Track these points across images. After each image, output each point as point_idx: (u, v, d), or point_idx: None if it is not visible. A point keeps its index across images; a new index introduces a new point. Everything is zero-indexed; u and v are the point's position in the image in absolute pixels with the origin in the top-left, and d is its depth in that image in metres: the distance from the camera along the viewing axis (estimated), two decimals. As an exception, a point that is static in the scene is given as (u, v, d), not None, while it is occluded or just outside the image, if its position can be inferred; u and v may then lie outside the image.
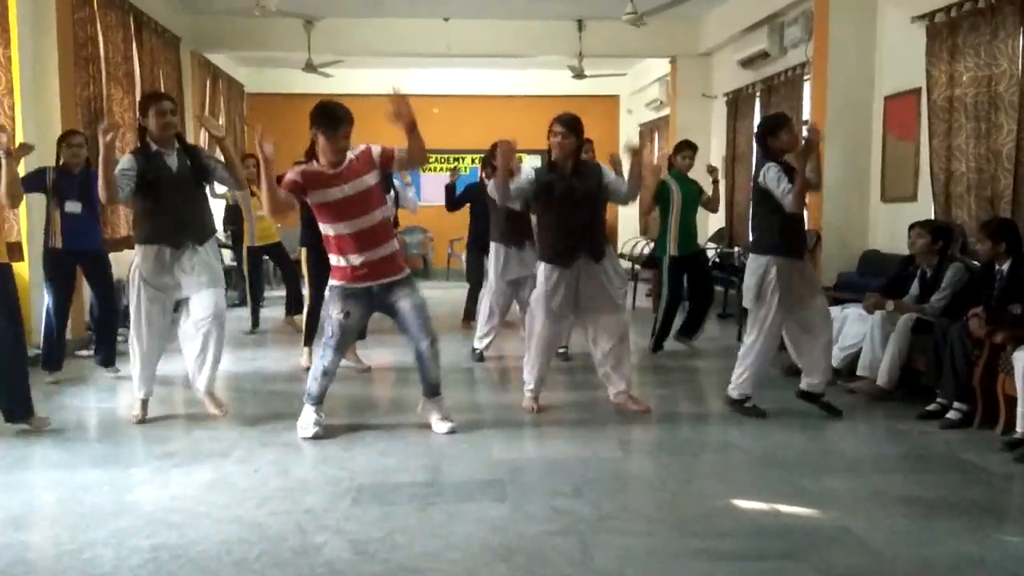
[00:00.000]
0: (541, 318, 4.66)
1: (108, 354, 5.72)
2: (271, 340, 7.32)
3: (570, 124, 4.52)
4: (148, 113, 4.35)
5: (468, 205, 7.11)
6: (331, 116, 3.99)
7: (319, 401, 4.30)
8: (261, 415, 4.67)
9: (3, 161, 4.48)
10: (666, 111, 11.59)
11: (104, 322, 5.80)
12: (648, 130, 12.79)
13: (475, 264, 7.23)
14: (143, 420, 4.51)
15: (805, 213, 4.75)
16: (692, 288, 6.73)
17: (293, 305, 7.55)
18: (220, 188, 6.56)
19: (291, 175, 4.06)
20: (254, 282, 7.74)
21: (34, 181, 5.30)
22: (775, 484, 3.64)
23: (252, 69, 12.97)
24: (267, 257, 7.99)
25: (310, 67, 10.27)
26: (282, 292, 8.15)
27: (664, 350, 6.54)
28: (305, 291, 6.07)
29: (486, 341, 6.21)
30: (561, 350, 5.97)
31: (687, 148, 6.59)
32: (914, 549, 2.92)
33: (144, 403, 4.55)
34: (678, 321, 6.66)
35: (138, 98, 8.16)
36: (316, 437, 4.18)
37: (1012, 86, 5.34)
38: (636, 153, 4.61)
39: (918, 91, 6.38)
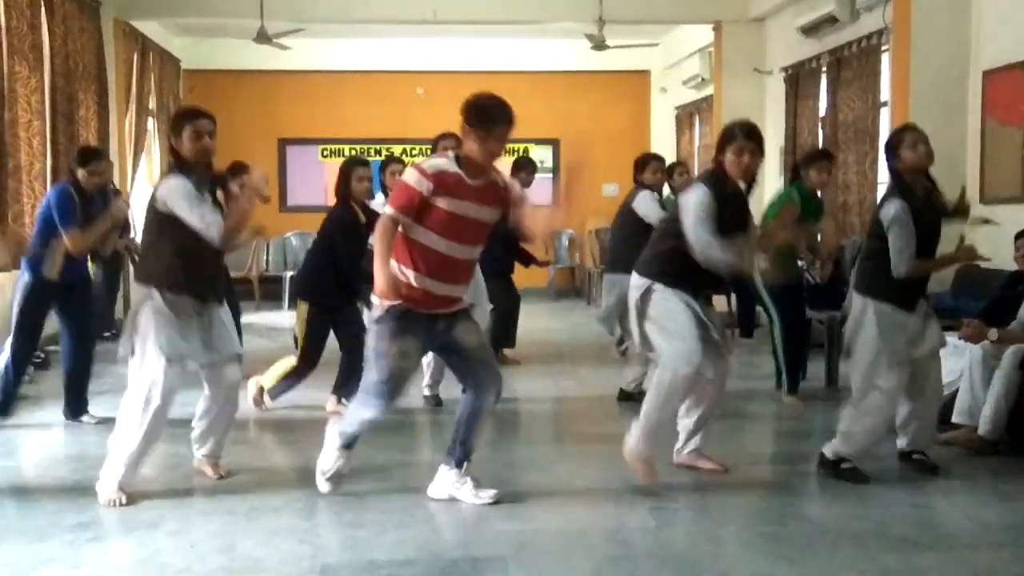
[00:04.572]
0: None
1: (79, 403, 5.75)
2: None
3: (759, 136, 4.56)
4: (182, 133, 4.28)
5: None
6: (486, 112, 4.03)
7: (350, 446, 4.32)
8: (200, 476, 4.66)
9: None
10: (709, 90, 11.65)
11: (79, 362, 5.78)
12: (687, 114, 12.85)
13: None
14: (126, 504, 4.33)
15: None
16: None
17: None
18: None
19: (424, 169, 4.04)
20: None
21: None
22: (849, 563, 3.62)
23: (190, 40, 13.10)
24: None
25: (263, 37, 10.34)
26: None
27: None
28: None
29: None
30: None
31: (822, 159, 6.39)
32: (1029, 646, 2.90)
33: (128, 492, 4.34)
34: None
35: (48, 78, 8.24)
36: (332, 492, 4.27)
37: None
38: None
39: (1026, 65, 6.42)
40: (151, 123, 11.58)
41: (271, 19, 10.22)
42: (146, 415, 4.21)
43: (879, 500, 4.34)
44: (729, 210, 4.45)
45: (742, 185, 4.57)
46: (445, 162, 4.11)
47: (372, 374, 4.18)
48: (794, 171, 6.46)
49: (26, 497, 4.40)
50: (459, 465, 4.29)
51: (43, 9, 8.19)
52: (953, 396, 5.24)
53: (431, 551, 3.70)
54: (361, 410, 4.28)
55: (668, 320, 4.48)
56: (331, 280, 5.86)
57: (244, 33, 10.83)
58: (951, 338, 5.40)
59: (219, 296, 4.51)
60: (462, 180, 4.05)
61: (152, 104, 11.58)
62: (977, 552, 3.72)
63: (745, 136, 4.51)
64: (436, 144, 6.25)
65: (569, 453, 4.96)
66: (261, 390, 6.02)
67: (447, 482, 4.29)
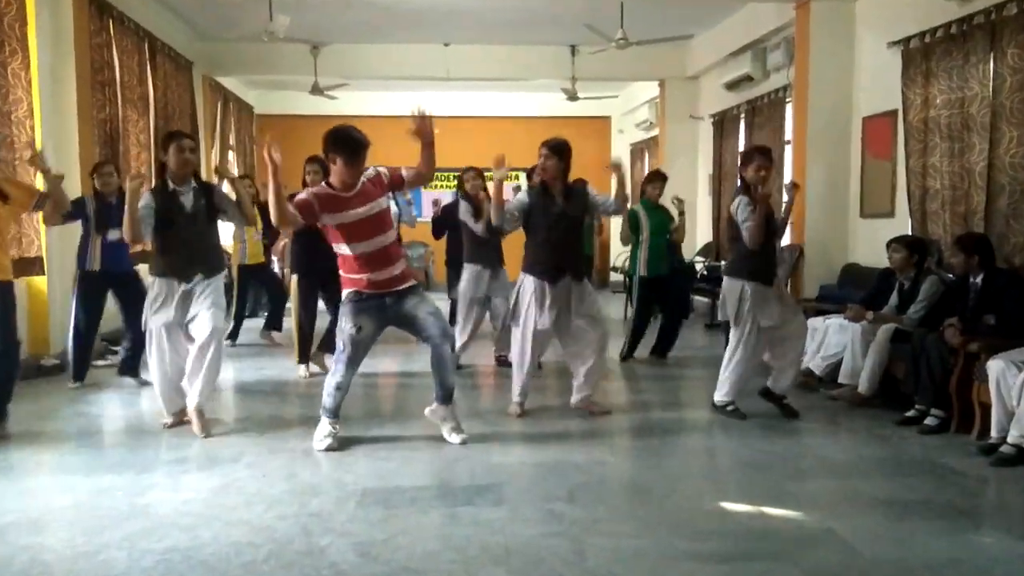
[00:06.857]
0: (529, 331, 4.68)
1: (134, 365, 5.67)
2: (281, 351, 7.29)
3: (554, 147, 4.60)
4: (168, 150, 4.32)
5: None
6: (351, 142, 3.92)
7: (334, 414, 4.21)
8: (270, 423, 4.66)
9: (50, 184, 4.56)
10: (655, 131, 11.64)
11: (134, 337, 5.63)
12: (639, 149, 12.84)
13: (454, 280, 6.66)
14: (171, 426, 4.51)
15: (789, 229, 4.86)
16: (663, 306, 6.79)
17: (272, 321, 7.61)
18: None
19: (305, 196, 3.96)
20: (241, 299, 7.70)
21: (76, 211, 5.37)
22: (760, 487, 3.64)
23: (261, 92, 13.01)
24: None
25: (316, 90, 10.30)
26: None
27: (635, 359, 6.62)
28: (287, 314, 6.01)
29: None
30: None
31: (657, 179, 6.63)
32: (893, 550, 2.92)
33: (174, 417, 4.52)
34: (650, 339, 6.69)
35: (152, 120, 8.20)
36: (330, 449, 4.11)
37: (983, 108, 5.38)
38: (617, 168, 4.66)
39: (894, 112, 6.41)
40: (231, 155, 11.52)
41: (322, 76, 10.19)
42: (151, 360, 4.43)
43: (783, 441, 4.36)
44: (541, 204, 4.61)
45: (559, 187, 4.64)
46: (318, 187, 4.01)
47: (339, 346, 4.14)
48: (642, 191, 6.65)
49: (136, 439, 4.39)
50: (443, 402, 4.25)
51: (148, 68, 8.13)
52: (839, 363, 5.27)
53: (443, 479, 3.71)
54: (331, 379, 4.19)
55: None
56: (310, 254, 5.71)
57: (301, 87, 10.77)
58: (837, 319, 5.44)
59: (200, 275, 4.36)
60: (338, 196, 3.94)
61: (232, 141, 11.51)
62: (856, 479, 3.74)
63: (544, 146, 4.64)
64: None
65: (546, 406, 4.96)
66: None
67: (436, 413, 4.29)
